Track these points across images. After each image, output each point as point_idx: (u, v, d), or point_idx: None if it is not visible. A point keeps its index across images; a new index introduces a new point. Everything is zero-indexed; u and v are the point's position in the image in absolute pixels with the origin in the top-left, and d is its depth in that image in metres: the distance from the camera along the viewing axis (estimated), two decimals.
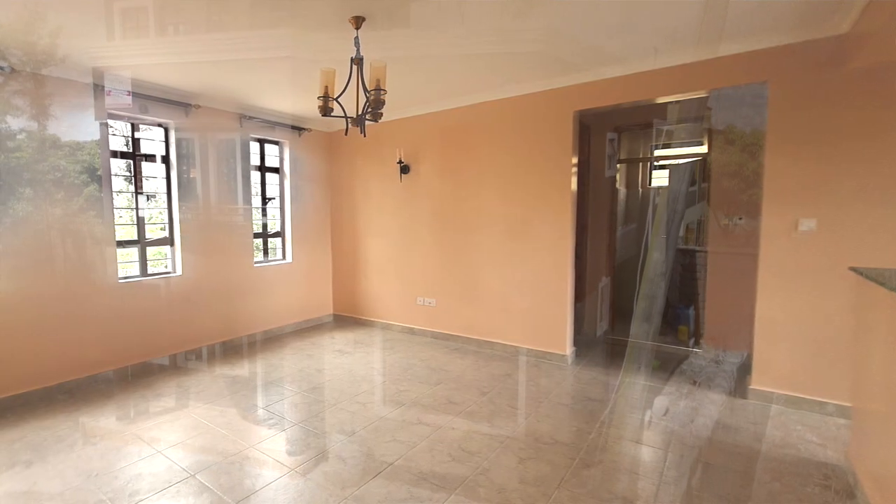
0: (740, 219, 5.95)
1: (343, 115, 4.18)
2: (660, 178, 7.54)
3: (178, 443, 4.13)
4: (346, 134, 4.62)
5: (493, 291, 6.73)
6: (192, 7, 3.76)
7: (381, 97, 3.86)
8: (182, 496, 3.37)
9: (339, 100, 3.99)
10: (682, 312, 6.89)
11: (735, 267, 6.00)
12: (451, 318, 7.22)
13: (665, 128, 6.96)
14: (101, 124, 5.35)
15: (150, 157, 6.21)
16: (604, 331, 7.32)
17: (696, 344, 6.49)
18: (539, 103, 6.09)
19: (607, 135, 6.65)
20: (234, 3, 3.67)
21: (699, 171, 6.85)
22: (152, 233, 6.37)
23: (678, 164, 7.08)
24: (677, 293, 7.19)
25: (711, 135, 6.23)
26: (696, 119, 6.53)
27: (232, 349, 6.99)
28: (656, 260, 6.76)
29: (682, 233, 7.32)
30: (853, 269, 3.38)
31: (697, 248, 6.90)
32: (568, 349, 6.13)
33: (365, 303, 8.38)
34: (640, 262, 6.99)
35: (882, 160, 4.19)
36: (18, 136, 4.88)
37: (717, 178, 6.15)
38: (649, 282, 6.79)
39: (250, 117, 7.10)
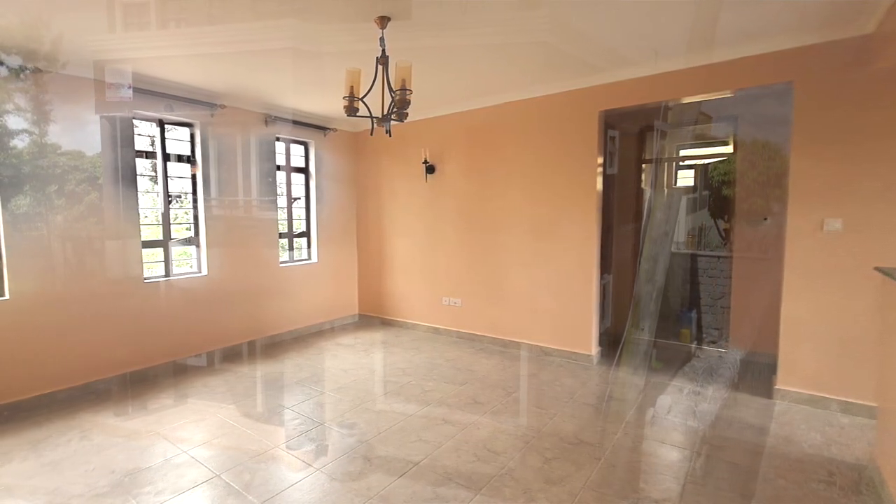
0: (765, 219, 5.93)
1: (368, 115, 4.20)
2: (685, 179, 7.52)
3: (203, 442, 4.17)
4: (371, 134, 4.66)
5: (519, 291, 6.75)
6: (215, 6, 3.76)
7: (407, 97, 3.87)
8: (207, 495, 3.41)
9: (364, 100, 4.01)
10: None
11: (760, 268, 5.99)
12: (477, 318, 7.25)
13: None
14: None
15: (176, 157, 6.26)
16: (632, 331, 7.31)
17: (719, 345, 6.48)
18: (564, 103, 6.11)
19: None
20: (262, 3, 3.70)
21: (714, 172, 6.86)
22: (178, 233, 6.40)
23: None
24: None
25: (737, 135, 6.23)
26: (725, 119, 6.54)
27: (257, 349, 7.03)
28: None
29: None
30: (879, 269, 3.38)
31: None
32: (594, 349, 6.14)
33: (390, 303, 8.43)
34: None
35: None
36: (45, 139, 4.95)
37: (741, 179, 6.14)
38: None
39: (276, 117, 7.13)
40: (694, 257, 7.04)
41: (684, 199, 7.32)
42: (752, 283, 6.12)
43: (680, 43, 4.64)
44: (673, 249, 7.02)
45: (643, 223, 6.77)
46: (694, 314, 6.85)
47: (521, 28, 4.21)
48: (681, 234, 7.41)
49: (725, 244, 7.03)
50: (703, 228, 7.31)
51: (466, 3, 3.70)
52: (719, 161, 6.99)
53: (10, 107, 4.67)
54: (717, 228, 7.33)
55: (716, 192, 7.29)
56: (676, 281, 7.14)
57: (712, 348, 6.56)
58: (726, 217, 6.99)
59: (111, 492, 3.44)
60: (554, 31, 4.31)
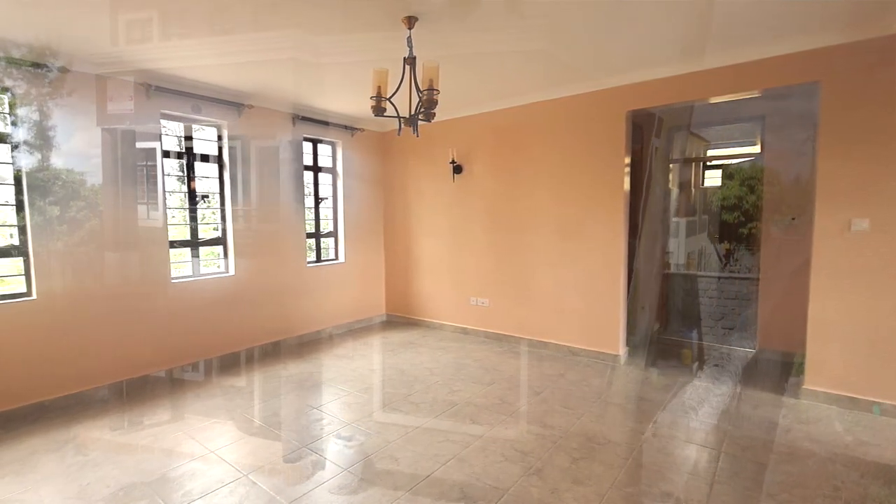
0: (793, 219, 5.91)
1: (396, 115, 4.20)
2: (712, 179, 7.51)
3: (230, 443, 4.20)
4: (398, 134, 4.65)
5: (547, 291, 6.78)
6: (238, 7, 3.77)
7: (434, 97, 3.87)
8: (234, 496, 3.42)
9: (391, 100, 4.01)
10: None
11: (787, 268, 5.97)
12: (505, 318, 7.28)
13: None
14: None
15: (203, 158, 6.29)
16: (656, 331, 7.32)
17: (751, 345, 6.47)
18: (591, 103, 6.13)
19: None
20: (288, 3, 3.71)
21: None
22: (205, 233, 6.43)
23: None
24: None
25: (765, 136, 6.21)
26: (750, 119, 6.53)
27: (285, 349, 7.08)
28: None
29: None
30: None
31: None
32: (621, 349, 6.16)
33: (418, 303, 8.49)
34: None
35: None
36: (72, 138, 4.99)
37: (768, 181, 6.13)
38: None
39: (303, 117, 7.17)
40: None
41: (683, 222, 7.35)
42: (778, 283, 6.10)
43: (706, 43, 4.63)
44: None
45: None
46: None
47: (549, 29, 4.23)
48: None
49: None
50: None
51: (493, 4, 3.72)
52: (744, 162, 6.98)
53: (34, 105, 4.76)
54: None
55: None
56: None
57: (740, 348, 6.54)
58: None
59: (138, 492, 3.45)
60: (581, 33, 4.33)
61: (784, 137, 6.02)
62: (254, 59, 4.86)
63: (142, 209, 5.56)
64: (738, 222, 7.10)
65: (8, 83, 4.56)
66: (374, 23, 4.03)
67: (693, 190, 7.55)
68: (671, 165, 7.47)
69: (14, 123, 4.64)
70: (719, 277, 7.15)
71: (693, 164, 7.60)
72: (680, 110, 6.09)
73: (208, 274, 6.43)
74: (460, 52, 4.77)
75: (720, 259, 7.27)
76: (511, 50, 4.75)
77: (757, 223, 5.47)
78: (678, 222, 7.44)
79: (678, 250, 7.46)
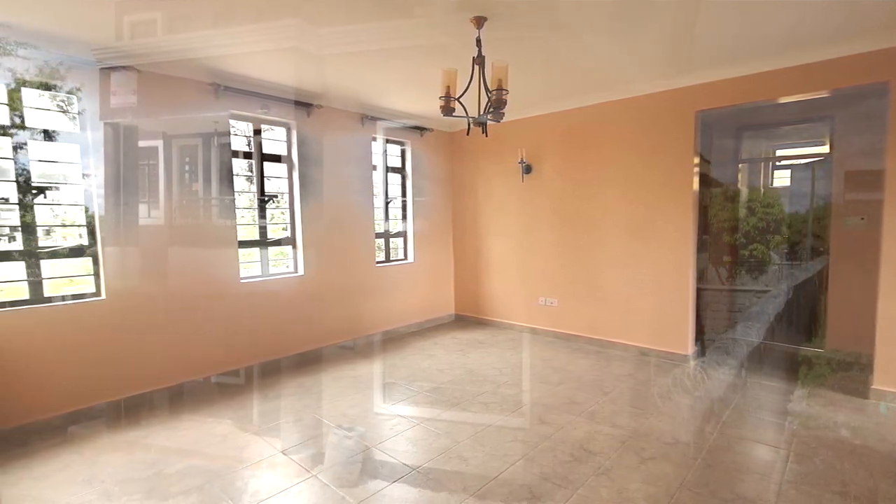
0: (862, 218, 5.76)
1: (465, 114, 4.21)
2: (781, 179, 7.36)
3: (299, 443, 4.24)
4: (467, 134, 4.69)
5: (615, 291, 6.76)
6: (307, 4, 3.75)
7: (503, 97, 3.86)
8: (303, 495, 3.46)
9: (461, 100, 4.01)
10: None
11: (856, 268, 5.84)
12: (573, 317, 7.27)
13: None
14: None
15: (273, 157, 6.35)
16: (727, 331, 7.22)
17: (820, 345, 6.34)
18: (661, 103, 6.10)
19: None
20: (360, 3, 3.72)
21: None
22: (274, 233, 6.49)
23: None
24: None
25: (834, 136, 6.10)
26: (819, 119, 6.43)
27: (354, 349, 7.16)
28: None
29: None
30: None
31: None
32: (690, 349, 6.11)
33: (487, 303, 8.53)
34: None
35: None
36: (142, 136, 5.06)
37: (838, 181, 6.00)
38: None
39: (372, 117, 7.24)
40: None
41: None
42: (848, 283, 5.96)
43: (776, 43, 4.58)
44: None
45: None
46: None
47: (619, 29, 4.23)
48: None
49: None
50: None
51: (564, 4, 3.73)
52: (813, 162, 6.85)
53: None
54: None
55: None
56: None
57: (809, 348, 6.41)
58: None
59: (207, 492, 3.50)
60: (652, 31, 4.31)
61: (854, 137, 5.88)
62: (332, 51, 4.76)
63: (210, 209, 5.64)
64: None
65: (72, 83, 4.65)
66: (442, 23, 4.04)
67: (762, 189, 7.44)
68: (740, 165, 7.37)
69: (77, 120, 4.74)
70: (791, 274, 7.02)
71: (762, 163, 7.52)
72: (748, 110, 6.00)
73: (277, 274, 6.50)
74: (529, 51, 4.77)
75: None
76: (582, 50, 4.74)
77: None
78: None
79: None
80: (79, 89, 4.68)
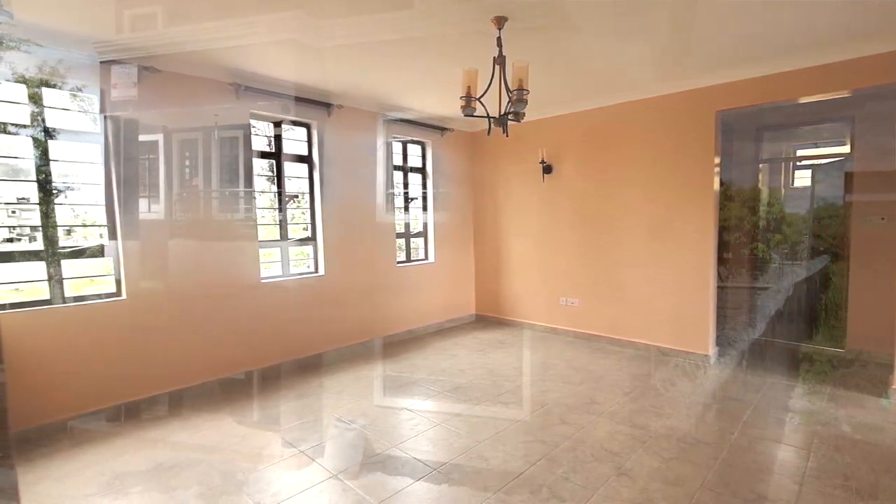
0: (882, 218, 5.73)
1: (485, 114, 4.22)
2: (802, 179, 7.32)
3: (319, 443, 4.24)
4: (488, 134, 4.72)
5: (636, 291, 6.76)
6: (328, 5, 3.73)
7: (524, 97, 3.88)
8: (324, 496, 3.46)
9: (481, 100, 4.02)
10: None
11: (876, 268, 5.81)
12: (594, 317, 7.28)
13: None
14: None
15: (293, 157, 6.37)
16: (748, 331, 7.20)
17: (840, 345, 6.31)
18: (681, 103, 6.11)
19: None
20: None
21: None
22: (294, 233, 6.51)
23: None
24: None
25: (854, 136, 6.07)
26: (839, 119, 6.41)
27: (374, 349, 7.19)
28: None
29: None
30: None
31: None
32: (711, 349, 6.10)
33: (507, 303, 8.55)
34: None
35: None
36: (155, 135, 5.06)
37: (859, 180, 5.96)
38: None
39: (393, 117, 7.30)
40: None
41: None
42: (868, 283, 5.94)
43: (796, 43, 4.57)
44: None
45: None
46: None
47: (639, 29, 4.22)
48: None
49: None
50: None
51: (585, 5, 3.74)
52: (833, 162, 6.82)
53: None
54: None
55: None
56: None
57: (829, 348, 6.38)
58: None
59: (228, 493, 3.51)
60: (671, 31, 4.31)
61: (875, 137, 5.85)
62: (346, 42, 4.60)
63: (232, 209, 5.65)
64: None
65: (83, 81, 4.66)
66: (463, 23, 4.03)
67: (783, 190, 7.41)
68: (760, 166, 7.35)
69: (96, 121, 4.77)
70: (808, 277, 7.01)
71: (782, 164, 7.49)
72: (768, 110, 5.99)
73: (298, 274, 6.52)
74: (550, 51, 4.76)
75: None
76: (602, 50, 4.74)
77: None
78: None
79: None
80: (79, 88, 4.70)
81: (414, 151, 8.10)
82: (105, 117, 4.77)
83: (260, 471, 3.81)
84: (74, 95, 4.69)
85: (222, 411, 4.98)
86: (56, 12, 3.80)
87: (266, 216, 6.23)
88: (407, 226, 8.05)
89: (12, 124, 4.33)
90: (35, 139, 4.40)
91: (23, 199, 4.50)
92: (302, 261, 6.65)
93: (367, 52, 4.78)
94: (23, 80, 4.33)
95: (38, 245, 4.50)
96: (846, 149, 6.42)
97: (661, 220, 6.39)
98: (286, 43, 4.53)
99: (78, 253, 4.80)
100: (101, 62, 4.66)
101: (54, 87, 4.53)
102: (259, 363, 5.96)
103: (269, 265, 6.28)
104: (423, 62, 5.07)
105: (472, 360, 6.59)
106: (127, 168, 4.89)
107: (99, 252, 4.89)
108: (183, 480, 3.68)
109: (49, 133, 4.46)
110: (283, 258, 6.38)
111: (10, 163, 4.38)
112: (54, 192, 4.56)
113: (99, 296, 4.85)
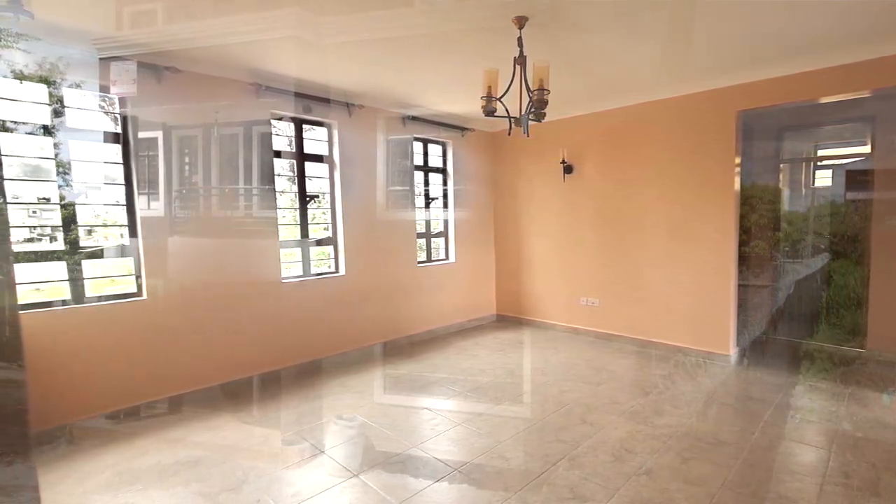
0: None
1: (506, 115, 4.23)
2: (823, 179, 7.29)
3: (340, 443, 4.26)
4: (509, 134, 4.73)
5: (657, 291, 6.76)
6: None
7: (545, 97, 3.88)
8: (345, 495, 3.48)
9: (502, 100, 4.02)
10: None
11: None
12: (614, 317, 7.29)
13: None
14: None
15: (314, 157, 6.37)
16: (767, 331, 7.18)
17: (860, 345, 6.27)
18: (702, 103, 6.11)
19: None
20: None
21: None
22: (315, 233, 6.54)
23: None
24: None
25: (875, 136, 6.04)
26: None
27: (395, 349, 7.23)
28: None
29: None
30: None
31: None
32: (731, 349, 6.09)
33: (528, 303, 8.56)
34: None
35: None
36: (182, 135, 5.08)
37: (879, 180, 5.93)
38: None
39: (413, 117, 7.31)
40: None
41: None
42: (889, 283, 5.91)
43: (817, 43, 4.56)
44: None
45: None
46: None
47: (660, 28, 4.23)
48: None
49: None
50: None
51: (605, 4, 3.74)
52: (853, 162, 6.80)
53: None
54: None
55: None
56: None
57: (850, 349, 6.35)
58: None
59: (248, 493, 3.53)
60: (692, 31, 4.31)
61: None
62: (365, 37, 4.49)
63: (252, 209, 5.68)
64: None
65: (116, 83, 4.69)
66: (484, 23, 4.03)
67: (804, 190, 7.38)
68: (781, 165, 7.32)
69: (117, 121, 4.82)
70: (830, 274, 6.98)
71: (803, 164, 7.47)
72: (789, 110, 5.97)
73: (319, 274, 6.54)
74: (571, 52, 4.76)
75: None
76: (623, 50, 4.75)
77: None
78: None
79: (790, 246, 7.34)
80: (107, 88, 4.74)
81: (434, 151, 8.12)
82: (125, 117, 4.80)
83: (281, 471, 3.83)
84: (103, 97, 4.76)
85: (243, 411, 5.02)
86: (66, 9, 3.80)
87: (287, 216, 6.24)
88: (427, 225, 8.08)
89: (33, 124, 4.38)
90: (51, 134, 4.45)
91: (43, 199, 4.51)
92: (323, 261, 6.66)
93: (387, 51, 4.78)
94: (46, 80, 4.37)
95: (59, 244, 4.53)
96: (867, 148, 6.39)
97: (682, 220, 6.39)
98: (306, 43, 4.52)
99: (98, 253, 4.85)
100: (116, 61, 4.68)
101: (78, 87, 4.59)
102: (280, 363, 5.98)
103: (291, 265, 6.30)
104: (444, 62, 5.07)
105: (492, 360, 6.61)
106: (147, 168, 4.93)
107: (120, 252, 4.94)
108: (204, 481, 3.70)
109: (61, 132, 4.51)
110: (304, 258, 6.41)
111: (31, 162, 4.41)
112: (77, 191, 4.61)
113: (121, 296, 4.89)
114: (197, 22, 4.07)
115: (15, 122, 4.31)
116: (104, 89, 4.72)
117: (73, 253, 4.58)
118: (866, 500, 3.29)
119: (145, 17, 3.97)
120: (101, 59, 4.58)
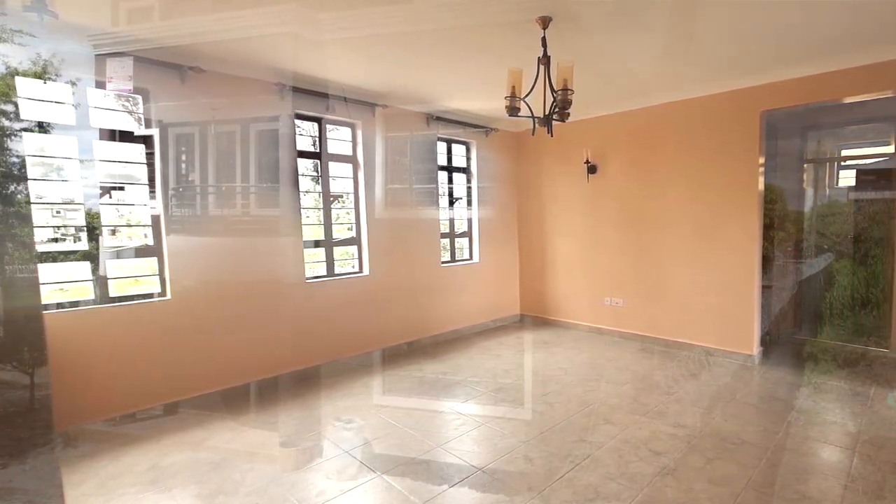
0: None
1: (530, 115, 4.23)
2: (846, 179, 7.25)
3: (364, 442, 4.28)
4: (532, 134, 4.73)
5: (680, 291, 6.75)
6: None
7: (569, 97, 3.88)
8: (369, 495, 3.49)
9: (526, 100, 4.03)
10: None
11: None
12: (638, 317, 7.29)
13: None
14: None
15: (338, 157, 6.40)
16: (791, 331, 7.16)
17: (885, 345, 6.23)
18: (725, 103, 6.10)
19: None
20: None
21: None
22: (339, 232, 6.54)
23: None
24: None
25: None
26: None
27: (418, 349, 7.27)
28: None
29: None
30: None
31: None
32: (755, 349, 6.08)
33: (552, 303, 8.58)
34: None
35: None
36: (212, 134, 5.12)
37: None
38: None
39: (437, 117, 7.32)
40: None
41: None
42: None
43: (840, 43, 4.55)
44: None
45: None
46: None
47: (684, 29, 4.24)
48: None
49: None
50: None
51: (630, 4, 3.74)
52: (877, 162, 6.75)
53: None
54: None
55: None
56: None
57: (874, 349, 6.32)
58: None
59: (273, 494, 3.53)
60: (716, 31, 4.31)
61: None
62: (388, 31, 4.42)
63: (276, 209, 5.67)
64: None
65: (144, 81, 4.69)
66: (508, 23, 4.05)
67: (827, 190, 7.35)
68: (805, 165, 7.29)
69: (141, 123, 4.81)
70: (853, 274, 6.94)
71: (826, 164, 7.43)
72: (814, 110, 5.95)
73: (342, 274, 6.56)
74: (594, 52, 4.76)
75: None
76: (646, 50, 4.75)
77: None
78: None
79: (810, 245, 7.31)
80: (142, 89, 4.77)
81: (458, 151, 8.16)
82: (148, 117, 4.84)
83: (304, 470, 3.87)
84: (129, 98, 4.78)
85: (267, 412, 5.06)
86: (79, 8, 3.79)
87: (311, 216, 6.26)
88: (452, 225, 8.10)
89: (58, 125, 4.38)
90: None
91: (68, 200, 4.50)
92: (346, 261, 6.68)
93: (411, 51, 4.77)
94: (71, 82, 4.39)
95: (83, 245, 4.53)
96: (890, 149, 6.36)
97: (706, 221, 6.38)
98: (333, 42, 4.51)
99: (123, 253, 4.90)
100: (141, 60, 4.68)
101: (101, 87, 4.59)
102: (304, 363, 5.99)
103: (315, 265, 6.32)
104: (469, 62, 5.07)
105: (516, 360, 6.63)
106: (173, 167, 4.97)
107: (144, 252, 4.94)
108: (227, 482, 3.72)
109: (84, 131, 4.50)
110: (328, 258, 6.43)
111: (54, 163, 4.41)
112: (101, 191, 4.64)
113: (145, 296, 4.91)
114: (219, 15, 4.00)
115: (41, 123, 4.33)
116: (123, 88, 4.72)
117: (99, 253, 4.63)
118: (891, 502, 3.28)
119: (161, 13, 3.94)
120: (114, 55, 4.56)
